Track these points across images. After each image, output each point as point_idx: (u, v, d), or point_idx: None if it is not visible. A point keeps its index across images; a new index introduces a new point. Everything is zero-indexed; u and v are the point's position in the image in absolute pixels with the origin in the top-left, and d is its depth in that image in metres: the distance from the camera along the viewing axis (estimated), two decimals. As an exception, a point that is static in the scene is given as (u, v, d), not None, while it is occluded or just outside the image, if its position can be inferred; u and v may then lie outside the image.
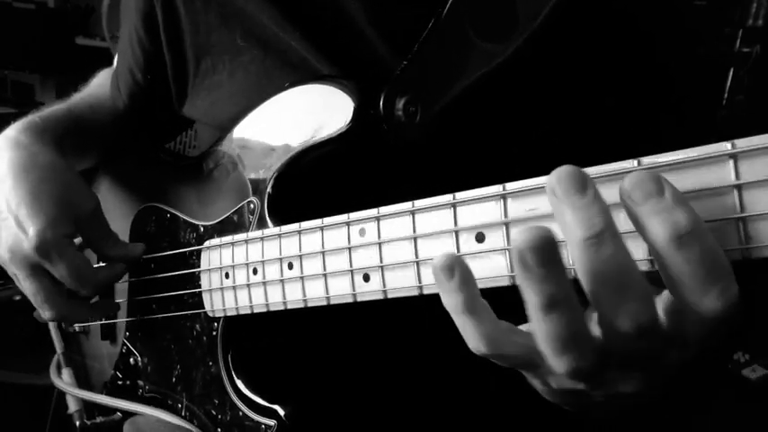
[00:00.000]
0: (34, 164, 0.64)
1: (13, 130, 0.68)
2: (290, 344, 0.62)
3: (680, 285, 0.30)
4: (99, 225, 0.67)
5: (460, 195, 0.41)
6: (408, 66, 0.50)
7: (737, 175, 0.30)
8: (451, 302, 0.34)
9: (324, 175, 0.56)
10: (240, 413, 0.58)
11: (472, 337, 0.35)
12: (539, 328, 0.31)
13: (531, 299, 0.31)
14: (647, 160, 0.33)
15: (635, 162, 0.33)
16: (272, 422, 0.56)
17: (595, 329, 0.33)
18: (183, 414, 0.66)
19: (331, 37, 0.57)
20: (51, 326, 0.83)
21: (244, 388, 0.59)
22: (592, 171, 0.34)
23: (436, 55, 0.51)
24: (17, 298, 1.47)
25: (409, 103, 0.50)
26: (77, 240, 0.69)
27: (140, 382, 0.72)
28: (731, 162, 0.30)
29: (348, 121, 0.52)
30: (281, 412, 0.56)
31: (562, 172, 0.31)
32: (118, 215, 0.77)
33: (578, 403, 0.39)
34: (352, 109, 0.52)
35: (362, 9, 0.56)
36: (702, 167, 0.31)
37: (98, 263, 0.73)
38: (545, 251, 0.29)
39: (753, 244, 0.29)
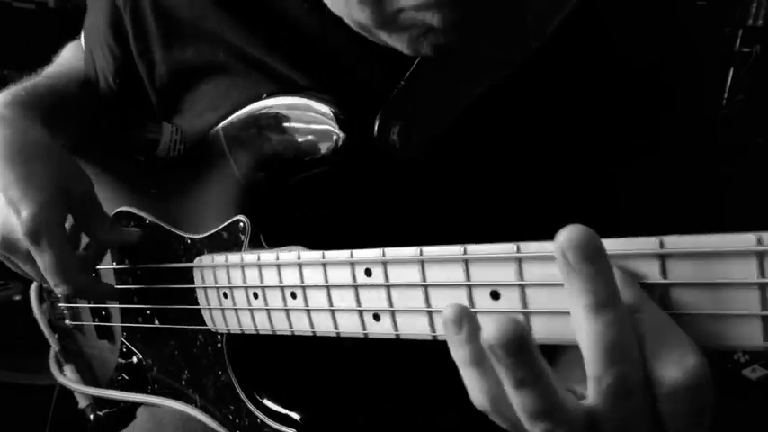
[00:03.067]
0: (24, 141, 0.59)
1: None
2: (301, 349, 0.62)
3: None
4: (92, 207, 0.64)
5: (472, 250, 0.40)
6: (404, 88, 0.46)
7: (762, 273, 0.30)
8: (458, 355, 0.36)
9: (314, 194, 0.53)
10: (258, 420, 0.61)
11: (475, 390, 0.36)
12: (513, 400, 0.34)
13: (504, 378, 0.33)
14: (670, 241, 0.32)
15: (657, 243, 0.33)
16: (291, 430, 0.58)
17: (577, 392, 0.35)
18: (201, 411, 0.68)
19: (314, 60, 0.52)
20: (42, 325, 0.82)
21: (258, 396, 0.61)
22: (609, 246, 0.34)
23: (437, 71, 0.46)
24: (17, 298, 1.45)
25: (405, 129, 0.47)
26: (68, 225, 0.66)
27: (149, 377, 0.74)
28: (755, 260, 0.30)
29: (337, 141, 0.49)
30: (297, 417, 0.59)
31: (575, 238, 0.31)
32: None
33: None
34: (338, 129, 0.49)
35: (347, 38, 0.50)
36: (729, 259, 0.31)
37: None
38: (514, 345, 0.31)
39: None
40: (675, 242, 0.32)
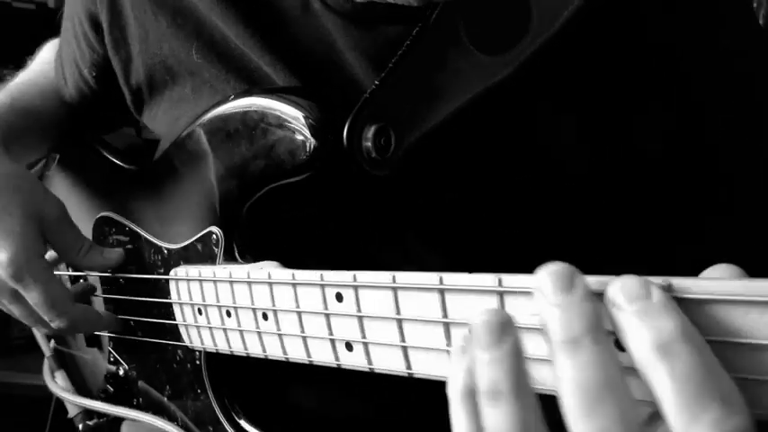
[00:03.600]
0: None
1: None
2: (282, 371, 0.58)
3: (667, 407, 0.24)
4: (67, 232, 0.61)
5: (448, 280, 0.34)
6: (382, 84, 0.40)
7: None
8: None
9: (286, 205, 0.49)
10: (237, 444, 0.57)
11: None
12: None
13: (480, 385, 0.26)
14: (678, 283, 0.26)
15: (660, 280, 0.27)
16: (269, 458, 0.54)
17: None
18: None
19: (304, 57, 0.47)
20: (35, 330, 0.80)
21: (237, 418, 0.57)
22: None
23: (419, 69, 0.40)
24: None
25: (381, 132, 0.41)
26: (51, 255, 0.63)
27: (135, 390, 0.71)
28: (791, 313, 0.23)
29: (306, 151, 0.44)
30: (278, 443, 0.54)
31: (552, 267, 0.27)
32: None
33: None
34: (309, 133, 0.44)
35: (341, 27, 0.45)
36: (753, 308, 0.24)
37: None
38: (495, 326, 0.26)
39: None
40: (687, 286, 0.26)
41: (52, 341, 0.81)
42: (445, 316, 0.35)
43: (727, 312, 0.25)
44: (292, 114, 0.44)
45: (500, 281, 0.32)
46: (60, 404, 0.80)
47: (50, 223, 0.58)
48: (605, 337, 0.26)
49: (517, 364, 0.26)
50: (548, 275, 0.26)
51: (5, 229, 0.54)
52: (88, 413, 0.77)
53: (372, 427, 0.57)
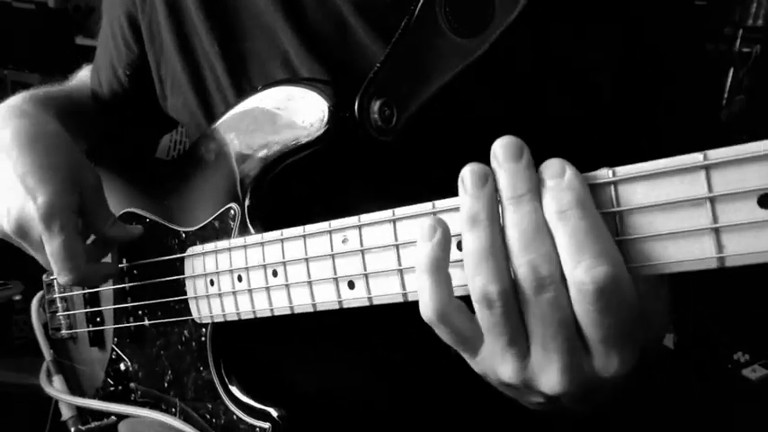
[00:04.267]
0: (41, 133, 0.63)
1: (16, 99, 0.67)
2: (281, 344, 0.62)
3: (562, 255, 0.34)
4: (100, 202, 0.66)
5: (440, 204, 0.41)
6: (383, 66, 0.49)
7: (710, 188, 0.30)
8: (422, 258, 0.38)
9: (301, 179, 0.56)
10: (234, 417, 0.59)
11: (427, 299, 0.38)
12: (465, 243, 0.37)
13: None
14: (622, 171, 0.33)
15: (609, 172, 0.34)
16: (266, 425, 0.56)
17: None
18: (178, 417, 0.66)
19: (323, 38, 0.55)
20: (38, 333, 0.83)
21: (236, 392, 0.60)
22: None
23: (411, 53, 0.50)
24: (17, 298, 1.47)
25: (385, 105, 0.50)
26: None
27: (132, 387, 0.73)
28: (704, 173, 0.30)
29: (323, 126, 0.52)
30: (275, 414, 0.57)
31: (505, 140, 0.36)
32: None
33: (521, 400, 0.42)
34: (327, 112, 0.52)
35: (352, 6, 0.54)
36: (675, 177, 0.32)
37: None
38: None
39: (727, 253, 0.30)
40: (626, 170, 0.33)
41: (52, 349, 0.84)
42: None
43: (655, 183, 0.32)
44: (314, 98, 0.52)
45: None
46: (59, 406, 0.81)
47: (88, 190, 0.63)
48: (539, 196, 0.36)
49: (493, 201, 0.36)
50: (501, 147, 0.36)
51: (48, 180, 0.59)
52: (81, 417, 0.78)
53: (359, 401, 0.60)
